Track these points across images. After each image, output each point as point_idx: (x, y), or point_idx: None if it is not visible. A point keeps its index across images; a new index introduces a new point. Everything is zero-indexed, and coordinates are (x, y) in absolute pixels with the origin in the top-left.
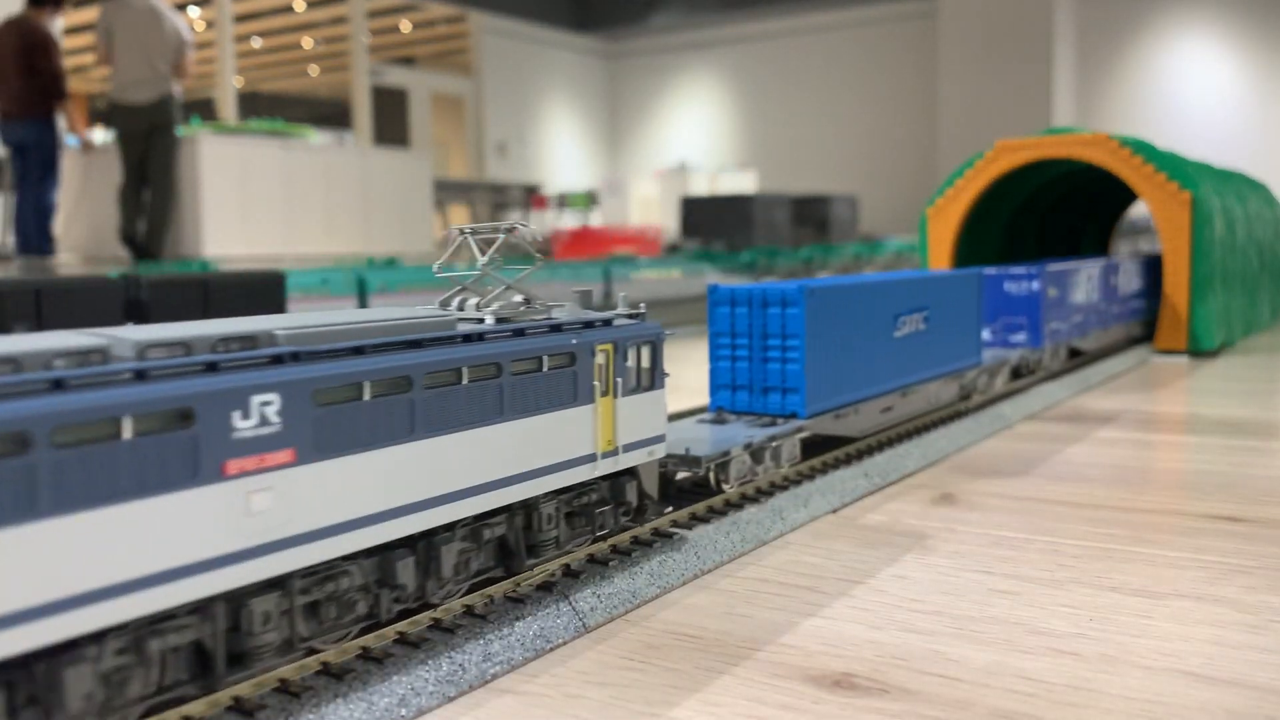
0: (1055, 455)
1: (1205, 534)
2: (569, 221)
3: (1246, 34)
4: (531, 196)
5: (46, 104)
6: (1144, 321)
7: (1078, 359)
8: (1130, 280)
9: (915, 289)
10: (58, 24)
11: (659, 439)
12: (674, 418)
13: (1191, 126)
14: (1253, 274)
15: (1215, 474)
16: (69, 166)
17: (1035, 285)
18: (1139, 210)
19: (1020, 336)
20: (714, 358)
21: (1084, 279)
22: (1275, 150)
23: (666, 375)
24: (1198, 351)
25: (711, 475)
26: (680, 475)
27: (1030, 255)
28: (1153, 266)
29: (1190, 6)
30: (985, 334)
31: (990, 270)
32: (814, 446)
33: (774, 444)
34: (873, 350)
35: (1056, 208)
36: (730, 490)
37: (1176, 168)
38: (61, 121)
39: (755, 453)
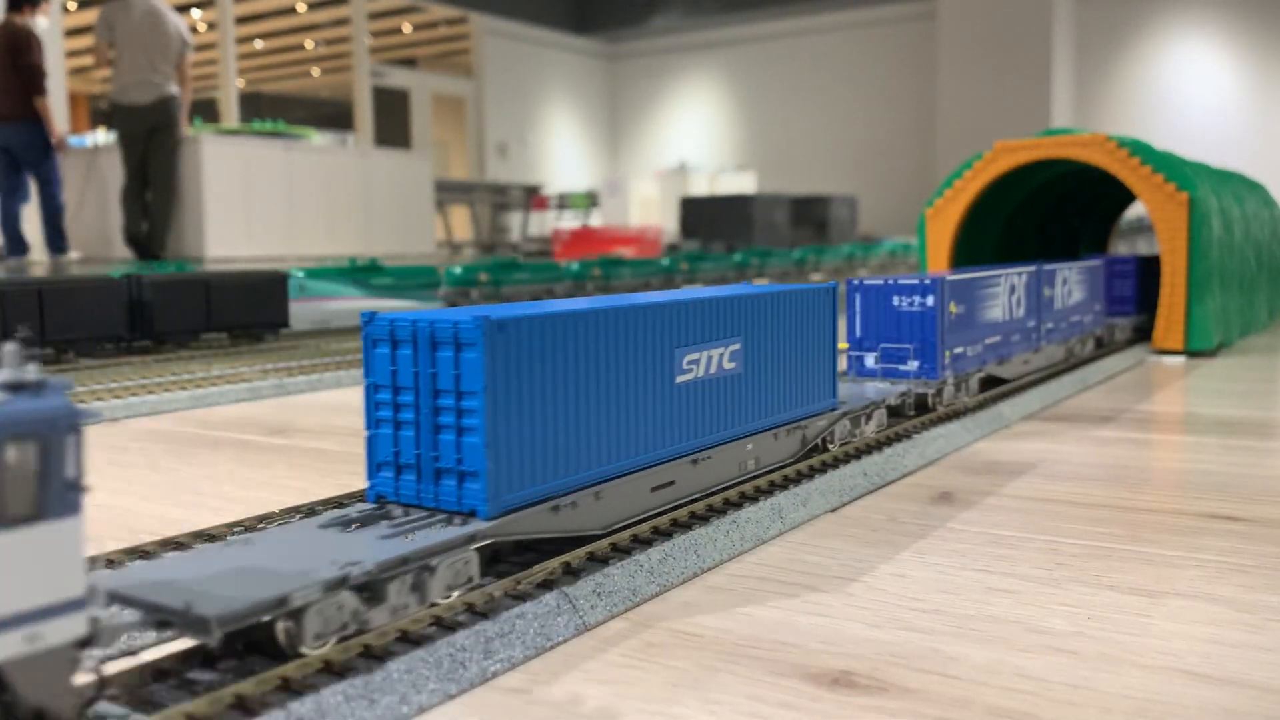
0: (1054, 455)
1: (1203, 533)
2: (569, 222)
3: (1245, 35)
4: (532, 197)
5: (32, 104)
6: (1094, 336)
7: (997, 389)
8: (1073, 290)
9: (714, 311)
10: (40, 23)
11: (61, 608)
12: (313, 509)
13: (1189, 127)
14: (1250, 274)
15: (1213, 473)
16: (71, 167)
17: (929, 300)
18: (1143, 209)
19: (911, 365)
20: (371, 421)
21: (1003, 291)
22: (1273, 151)
23: (82, 490)
24: (1195, 352)
25: (280, 634)
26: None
27: (1030, 255)
28: (1113, 270)
29: (1189, 8)
30: (869, 361)
31: (873, 281)
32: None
33: (410, 570)
34: (633, 404)
35: (1055, 208)
36: (316, 653)
37: (1174, 168)
38: (60, 121)
39: (369, 587)
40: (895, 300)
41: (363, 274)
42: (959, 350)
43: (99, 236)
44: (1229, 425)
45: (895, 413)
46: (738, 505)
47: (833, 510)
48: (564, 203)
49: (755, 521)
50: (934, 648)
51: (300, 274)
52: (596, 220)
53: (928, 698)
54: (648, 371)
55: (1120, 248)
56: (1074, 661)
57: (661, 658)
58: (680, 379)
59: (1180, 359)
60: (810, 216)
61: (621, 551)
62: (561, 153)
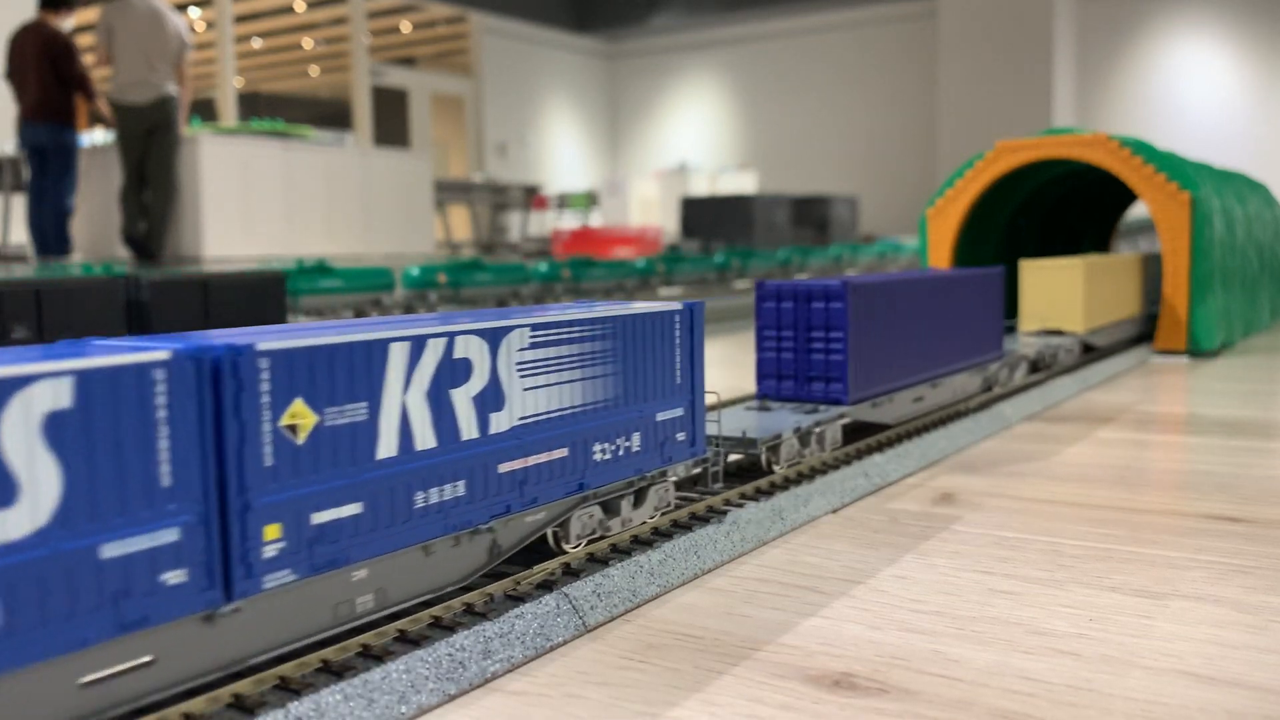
0: (1055, 455)
1: (1205, 534)
2: (569, 222)
3: (1246, 34)
4: (532, 197)
5: (65, 107)
6: (664, 476)
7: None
8: (550, 393)
9: None
10: (68, 24)
11: None
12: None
13: (1191, 127)
14: (1252, 274)
15: (1215, 474)
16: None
17: None
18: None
19: None
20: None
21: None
22: (1275, 151)
23: None
24: (1197, 352)
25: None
26: None
27: (1031, 256)
28: (796, 312)
29: (1191, 7)
30: None
31: None
32: None
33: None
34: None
35: (1057, 208)
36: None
37: (1176, 168)
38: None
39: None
40: None
41: (308, 276)
42: None
43: (100, 237)
44: (1231, 426)
45: None
46: (739, 506)
47: (834, 511)
48: (564, 203)
49: (756, 522)
50: (935, 649)
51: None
52: (596, 220)
53: (929, 699)
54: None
55: (1121, 247)
56: (1076, 663)
57: (661, 659)
58: None
59: (1182, 359)
60: (811, 217)
61: (622, 553)
62: (561, 152)
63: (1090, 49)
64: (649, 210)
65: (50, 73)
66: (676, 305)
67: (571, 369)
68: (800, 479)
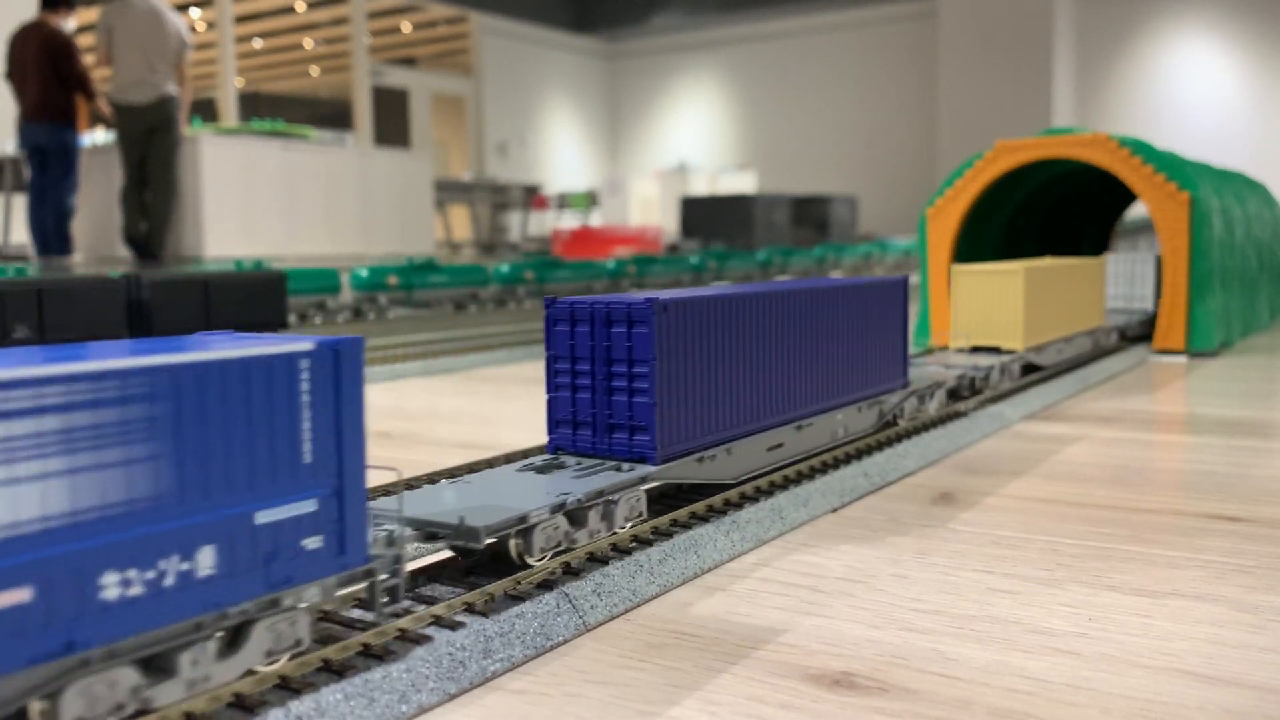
0: (1055, 455)
1: (1205, 533)
2: (569, 221)
3: (1246, 35)
4: (532, 197)
5: (66, 107)
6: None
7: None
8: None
9: None
10: (70, 24)
11: None
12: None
13: (1191, 127)
14: (1251, 274)
15: (1214, 474)
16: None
17: None
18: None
19: None
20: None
21: None
22: (1275, 150)
23: None
24: (1197, 352)
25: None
26: None
27: (1031, 255)
28: None
29: (1190, 7)
30: None
31: None
32: None
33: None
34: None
35: (1057, 208)
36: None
37: (1175, 168)
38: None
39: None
40: None
41: (420, 272)
42: None
43: (98, 237)
44: (1231, 425)
45: None
46: (738, 505)
47: (833, 511)
48: (564, 202)
49: (755, 522)
50: (935, 648)
51: (364, 272)
52: (596, 220)
53: (929, 698)
54: None
55: (1121, 247)
56: (1075, 662)
57: (661, 658)
58: None
59: (1182, 359)
60: (811, 216)
61: (621, 551)
62: (561, 152)
63: (1090, 49)
64: (649, 210)
65: (51, 73)
66: (305, 345)
67: (43, 458)
68: (800, 479)
